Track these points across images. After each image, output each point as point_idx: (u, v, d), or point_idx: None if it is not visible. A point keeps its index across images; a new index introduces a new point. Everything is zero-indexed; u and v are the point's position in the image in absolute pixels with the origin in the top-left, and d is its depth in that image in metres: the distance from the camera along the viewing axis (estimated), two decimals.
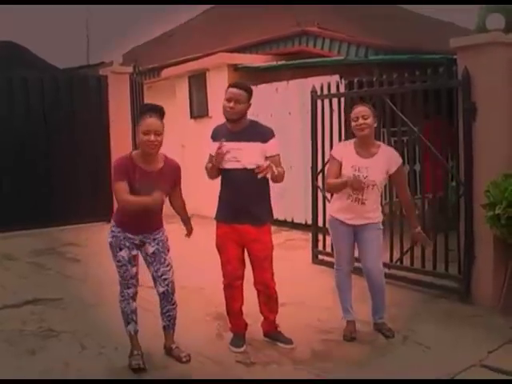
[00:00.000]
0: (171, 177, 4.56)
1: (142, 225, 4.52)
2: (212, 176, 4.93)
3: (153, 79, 14.47)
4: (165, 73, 13.40)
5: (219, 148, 4.62)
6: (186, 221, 4.92)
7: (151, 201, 4.30)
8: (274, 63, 11.32)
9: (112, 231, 4.58)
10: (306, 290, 6.44)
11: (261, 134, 4.73)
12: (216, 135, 4.85)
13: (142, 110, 4.48)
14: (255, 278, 4.90)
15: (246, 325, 5.06)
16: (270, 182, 4.87)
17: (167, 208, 4.71)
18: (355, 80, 7.23)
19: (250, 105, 4.80)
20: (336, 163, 5.11)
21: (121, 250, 4.53)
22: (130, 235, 4.53)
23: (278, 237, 9.01)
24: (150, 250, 4.59)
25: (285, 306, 5.51)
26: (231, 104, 4.67)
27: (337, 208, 5.17)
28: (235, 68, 11.27)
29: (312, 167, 7.81)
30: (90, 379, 4.43)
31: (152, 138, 4.33)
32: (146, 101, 11.39)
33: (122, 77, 10.98)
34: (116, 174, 4.42)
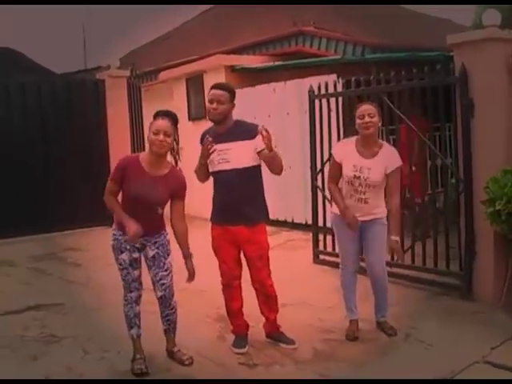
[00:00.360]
0: (172, 185, 4.50)
1: (142, 228, 4.52)
2: (201, 178, 4.93)
3: (150, 82, 14.46)
4: (162, 76, 13.40)
5: (206, 144, 4.61)
6: (186, 255, 4.63)
7: (126, 222, 4.34)
8: (271, 64, 11.33)
9: (113, 234, 4.59)
10: (308, 290, 6.43)
11: (247, 131, 4.70)
12: (203, 139, 4.84)
13: (154, 114, 4.52)
14: (252, 278, 4.92)
15: (248, 325, 5.06)
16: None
17: (168, 208, 4.68)
18: (352, 79, 7.22)
19: (233, 105, 4.79)
20: (336, 165, 5.12)
21: (122, 252, 4.53)
22: None
23: (279, 237, 9.03)
24: (150, 253, 4.57)
25: (286, 307, 5.51)
26: (214, 105, 4.69)
27: None
28: (232, 69, 11.27)
29: (311, 167, 7.80)
30: (89, 379, 4.45)
31: (161, 137, 4.34)
32: (144, 104, 11.41)
33: (120, 80, 10.95)
34: (112, 172, 4.54)
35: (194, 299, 6.01)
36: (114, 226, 4.62)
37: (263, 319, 5.08)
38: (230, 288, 4.93)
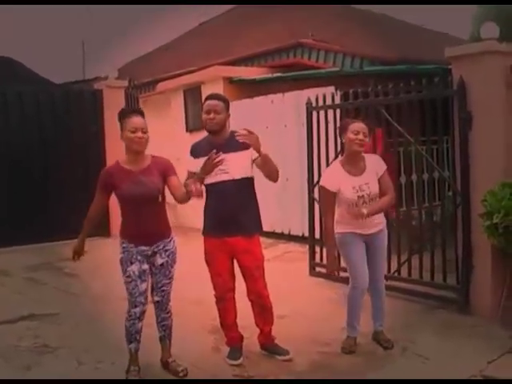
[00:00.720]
0: (159, 169, 4.49)
1: (152, 233, 4.48)
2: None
3: (148, 93, 14.46)
4: (160, 86, 13.40)
5: (213, 157, 4.55)
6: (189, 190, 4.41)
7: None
8: (269, 75, 11.34)
9: (123, 247, 4.51)
10: (304, 302, 6.39)
11: (243, 142, 4.60)
12: (196, 151, 4.82)
13: (123, 113, 4.51)
14: (248, 289, 4.87)
15: (242, 337, 5.02)
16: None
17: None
18: (350, 91, 7.23)
19: (228, 115, 4.80)
20: (331, 196, 4.99)
21: (131, 264, 4.45)
22: (143, 247, 4.47)
23: (276, 249, 9.00)
24: (159, 261, 4.53)
25: (282, 319, 5.48)
26: (211, 115, 4.69)
27: (346, 225, 5.02)
28: (230, 81, 11.29)
29: (308, 179, 7.78)
30: (89, 379, 4.43)
31: (140, 134, 4.37)
32: None
33: (117, 91, 10.93)
34: (98, 185, 4.58)
35: (189, 310, 5.97)
36: (121, 239, 4.56)
37: (258, 330, 5.04)
38: (225, 301, 4.89)
